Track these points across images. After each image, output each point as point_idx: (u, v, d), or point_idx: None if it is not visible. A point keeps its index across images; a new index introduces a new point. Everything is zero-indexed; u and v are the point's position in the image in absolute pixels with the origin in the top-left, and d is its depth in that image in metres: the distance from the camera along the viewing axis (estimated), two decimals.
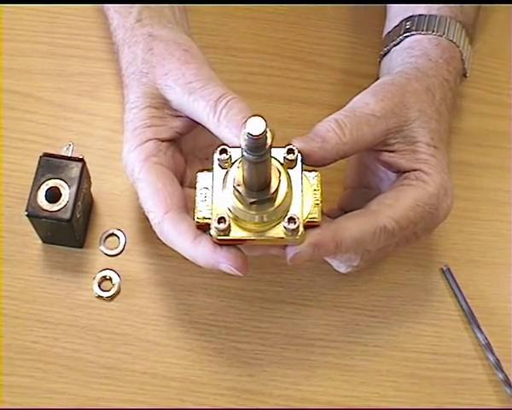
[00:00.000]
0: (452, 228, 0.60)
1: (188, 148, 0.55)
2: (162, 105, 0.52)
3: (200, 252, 0.48)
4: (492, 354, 0.56)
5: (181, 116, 0.53)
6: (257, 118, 0.41)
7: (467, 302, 0.58)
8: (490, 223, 0.61)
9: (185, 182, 0.54)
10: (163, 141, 0.52)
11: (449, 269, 0.59)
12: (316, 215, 0.47)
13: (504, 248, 0.60)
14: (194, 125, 0.52)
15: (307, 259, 0.47)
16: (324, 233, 0.47)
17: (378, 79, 0.56)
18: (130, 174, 0.52)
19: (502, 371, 0.55)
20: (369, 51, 0.65)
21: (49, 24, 0.66)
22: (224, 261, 0.47)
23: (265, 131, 0.41)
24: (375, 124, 0.50)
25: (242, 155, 0.43)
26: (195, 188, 0.48)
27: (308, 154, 0.48)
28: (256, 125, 0.40)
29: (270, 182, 0.45)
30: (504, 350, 0.57)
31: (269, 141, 0.42)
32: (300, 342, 0.57)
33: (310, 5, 0.68)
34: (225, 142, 0.48)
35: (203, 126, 0.51)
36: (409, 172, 0.51)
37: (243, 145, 0.42)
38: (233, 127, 0.48)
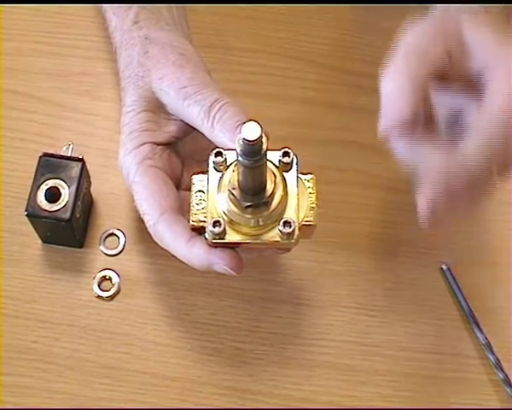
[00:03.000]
0: (452, 228, 0.60)
1: (185, 150, 0.55)
2: (158, 109, 0.52)
3: (195, 253, 0.48)
4: (492, 354, 0.56)
5: (177, 120, 0.53)
6: (252, 123, 0.41)
7: (467, 302, 0.58)
8: (490, 223, 0.61)
9: (182, 185, 0.53)
10: (159, 145, 0.52)
11: (449, 269, 0.59)
12: (311, 218, 0.47)
13: (504, 248, 0.60)
14: (190, 129, 0.52)
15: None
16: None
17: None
18: (126, 177, 0.52)
19: (502, 371, 0.55)
20: (370, 51, 0.65)
21: (49, 24, 0.66)
22: (218, 262, 0.47)
23: (261, 137, 0.41)
24: None
25: (238, 160, 0.43)
26: (190, 191, 0.48)
27: None
28: (251, 131, 0.40)
29: (265, 186, 0.45)
30: (504, 350, 0.56)
31: (264, 146, 0.41)
32: (300, 342, 0.57)
33: (310, 5, 0.68)
34: (220, 146, 0.48)
35: (198, 131, 0.51)
36: None
37: (238, 150, 0.42)
38: (227, 131, 0.48)
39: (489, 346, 0.56)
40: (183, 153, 0.54)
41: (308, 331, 0.57)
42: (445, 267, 0.59)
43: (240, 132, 0.41)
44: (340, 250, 0.59)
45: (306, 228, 0.47)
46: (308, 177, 0.48)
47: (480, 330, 0.57)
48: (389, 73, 0.47)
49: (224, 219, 0.46)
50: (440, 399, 0.56)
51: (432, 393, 0.56)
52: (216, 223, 0.45)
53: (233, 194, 0.45)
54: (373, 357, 0.56)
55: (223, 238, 0.46)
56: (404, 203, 0.61)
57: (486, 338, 0.56)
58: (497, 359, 0.56)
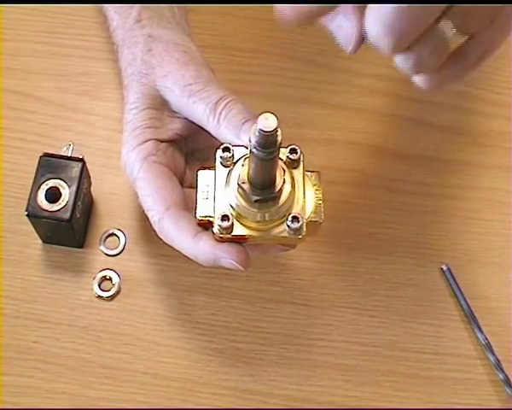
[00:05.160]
0: (452, 228, 0.60)
1: (187, 149, 0.55)
2: (162, 106, 0.52)
3: (201, 248, 0.47)
4: (492, 354, 0.56)
5: (180, 117, 0.53)
6: (269, 114, 0.40)
7: (467, 302, 0.58)
8: (490, 223, 0.61)
9: (185, 182, 0.53)
10: (162, 142, 0.52)
11: (449, 269, 0.59)
12: (318, 215, 0.47)
13: (504, 248, 0.60)
14: (193, 126, 0.52)
15: None
16: None
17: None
18: (129, 174, 0.52)
19: (502, 371, 0.55)
20: (370, 51, 0.65)
21: (49, 24, 0.66)
22: (225, 256, 0.47)
23: (277, 128, 0.41)
24: None
25: (251, 152, 0.42)
26: (196, 186, 0.48)
27: None
28: (268, 122, 0.40)
29: (275, 180, 0.45)
30: (504, 350, 0.57)
31: (279, 138, 0.41)
32: (300, 342, 0.57)
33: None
34: (225, 143, 0.48)
35: (202, 128, 0.51)
36: None
37: (253, 142, 0.41)
38: (233, 128, 0.48)
39: (489, 346, 0.56)
40: (185, 151, 0.54)
41: (308, 331, 0.57)
42: (444, 267, 0.59)
43: (256, 124, 0.40)
44: (340, 250, 0.59)
45: (313, 225, 0.47)
46: (314, 174, 0.48)
47: (480, 330, 0.57)
48: None
49: (231, 214, 0.46)
50: (440, 399, 0.56)
51: (432, 393, 0.56)
52: (224, 217, 0.45)
53: (242, 188, 0.45)
54: (373, 357, 0.56)
55: (230, 233, 0.46)
56: (404, 203, 0.61)
57: (486, 338, 0.56)
58: (497, 359, 0.56)
